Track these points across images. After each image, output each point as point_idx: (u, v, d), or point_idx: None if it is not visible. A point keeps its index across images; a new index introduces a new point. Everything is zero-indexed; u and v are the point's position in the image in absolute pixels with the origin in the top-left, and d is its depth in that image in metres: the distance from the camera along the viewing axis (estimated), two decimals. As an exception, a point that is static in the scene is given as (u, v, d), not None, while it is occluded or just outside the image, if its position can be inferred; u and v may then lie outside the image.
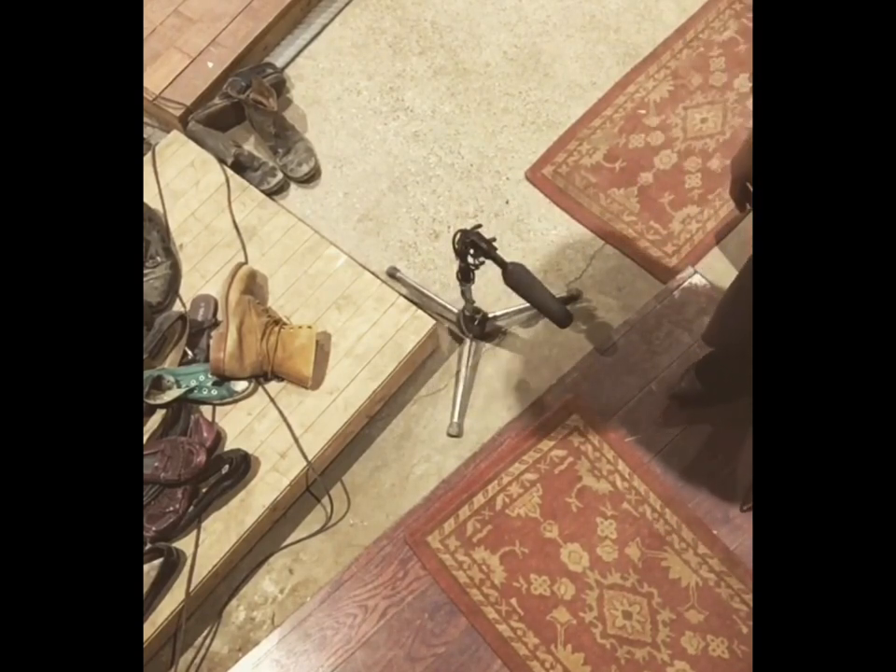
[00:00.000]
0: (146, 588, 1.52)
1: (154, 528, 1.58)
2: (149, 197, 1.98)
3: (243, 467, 1.64)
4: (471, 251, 1.48)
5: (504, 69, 2.19)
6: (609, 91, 2.11)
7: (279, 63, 2.24)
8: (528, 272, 1.50)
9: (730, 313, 1.45)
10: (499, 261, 1.48)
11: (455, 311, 1.81)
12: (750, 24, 2.11)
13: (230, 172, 2.00)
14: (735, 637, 1.52)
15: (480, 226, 1.48)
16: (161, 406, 1.71)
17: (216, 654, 1.62)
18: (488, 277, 1.92)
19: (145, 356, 1.72)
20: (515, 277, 1.49)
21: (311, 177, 2.08)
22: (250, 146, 2.15)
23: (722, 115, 2.02)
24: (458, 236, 1.47)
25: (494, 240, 1.47)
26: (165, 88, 2.13)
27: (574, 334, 1.85)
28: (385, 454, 1.77)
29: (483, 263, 1.51)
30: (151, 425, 1.71)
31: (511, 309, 1.85)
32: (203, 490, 1.64)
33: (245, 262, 1.87)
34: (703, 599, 1.55)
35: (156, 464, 1.61)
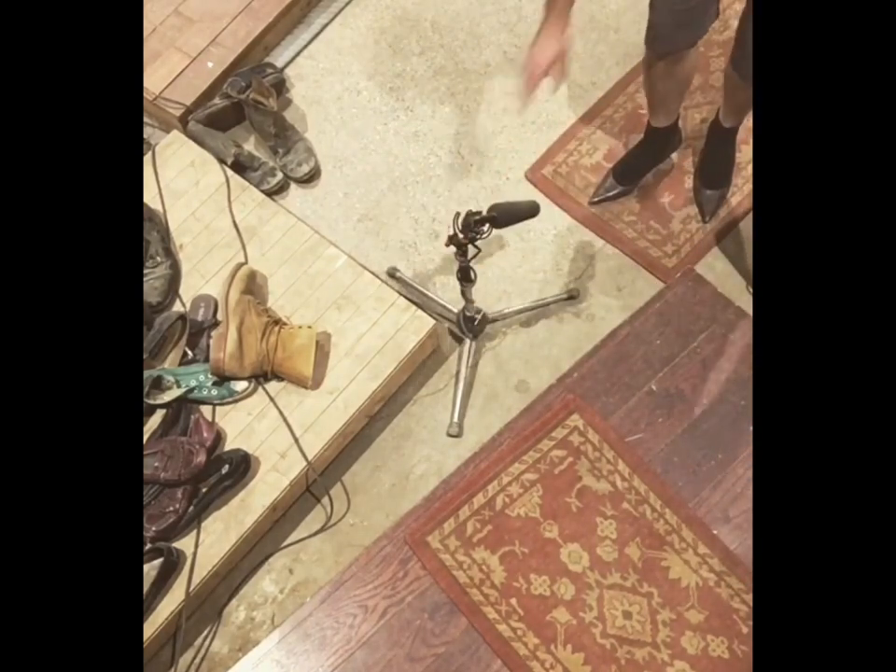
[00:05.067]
0: (146, 588, 1.52)
1: (154, 528, 1.58)
2: (149, 197, 1.98)
3: (243, 467, 1.64)
4: (474, 226, 1.46)
5: (504, 69, 2.19)
6: (608, 91, 2.11)
7: (279, 63, 2.24)
8: (505, 205, 1.48)
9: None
10: (489, 218, 1.46)
11: (455, 311, 1.81)
12: (750, 24, 2.11)
13: (230, 172, 2.00)
14: (735, 637, 1.52)
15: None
16: (161, 406, 1.71)
17: (216, 654, 1.62)
18: (488, 277, 1.93)
19: (145, 356, 1.72)
20: (504, 218, 1.47)
21: (311, 177, 2.08)
22: (250, 146, 2.15)
23: (722, 115, 2.02)
24: (459, 220, 1.47)
25: (479, 212, 1.46)
26: (165, 88, 2.13)
27: (574, 334, 1.85)
28: (385, 454, 1.77)
29: (489, 232, 1.48)
30: (151, 425, 1.71)
31: (511, 309, 1.86)
32: (203, 490, 1.64)
33: (245, 262, 1.87)
34: (703, 599, 1.55)
35: (156, 464, 1.61)
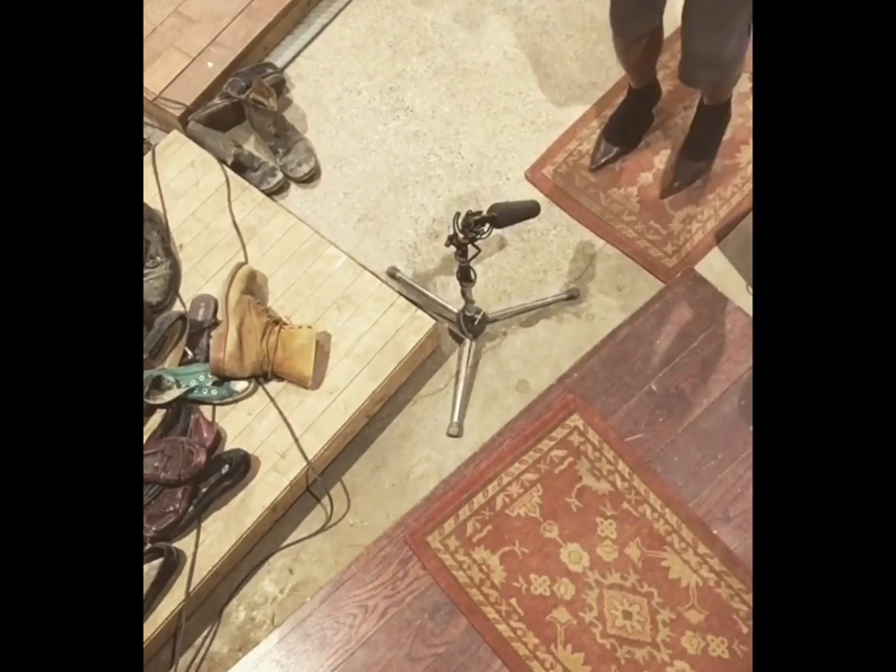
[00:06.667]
0: (146, 588, 1.52)
1: (154, 528, 1.58)
2: (149, 197, 1.98)
3: (243, 467, 1.64)
4: (474, 226, 1.46)
5: (504, 69, 2.19)
6: (608, 92, 2.11)
7: (279, 63, 2.24)
8: (505, 205, 1.49)
9: None
10: (489, 218, 1.46)
11: (455, 311, 1.81)
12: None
13: (230, 172, 2.00)
14: (735, 637, 1.52)
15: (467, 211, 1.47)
16: (161, 406, 1.71)
17: (216, 654, 1.62)
18: (488, 277, 1.93)
19: (145, 356, 1.72)
20: (504, 218, 1.48)
21: (311, 177, 2.08)
22: (250, 146, 2.15)
23: (722, 115, 2.02)
24: (459, 220, 1.47)
25: (479, 212, 1.47)
26: (165, 88, 2.13)
27: (574, 334, 1.85)
28: (385, 454, 1.77)
29: (489, 232, 1.48)
30: (151, 425, 1.71)
31: (512, 309, 1.86)
32: (203, 490, 1.64)
33: (245, 262, 1.87)
34: (703, 599, 1.55)
35: (156, 464, 1.60)
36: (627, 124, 2.00)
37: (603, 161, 2.00)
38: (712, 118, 1.90)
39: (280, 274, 1.87)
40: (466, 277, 1.62)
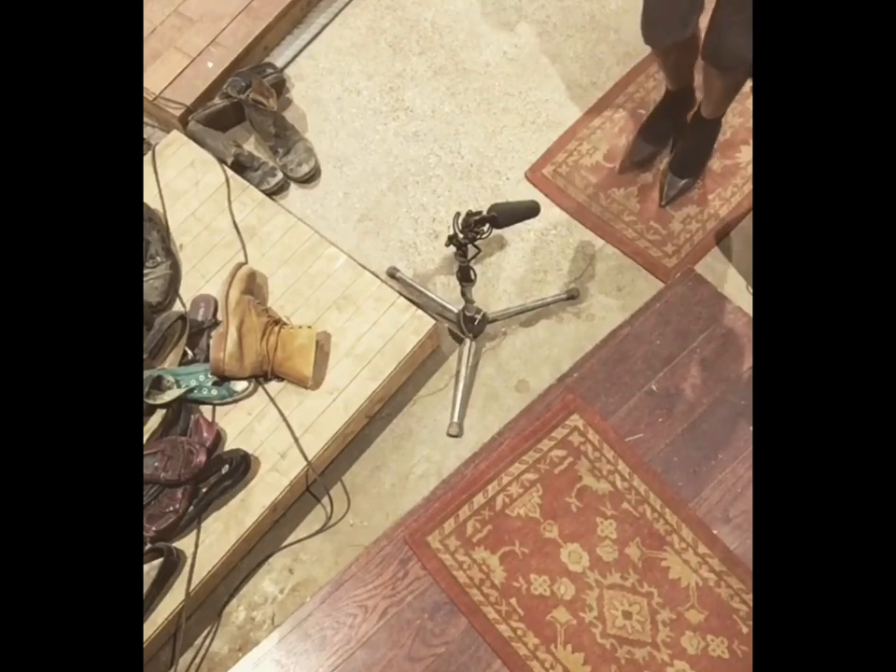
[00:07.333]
0: (146, 588, 1.52)
1: (154, 528, 1.58)
2: (149, 197, 1.98)
3: (243, 467, 1.64)
4: (474, 226, 1.46)
5: (504, 69, 2.19)
6: (609, 91, 2.11)
7: (279, 63, 2.24)
8: (505, 205, 1.50)
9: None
10: (489, 218, 1.47)
11: (455, 311, 1.81)
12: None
13: (230, 172, 2.00)
14: (735, 637, 1.52)
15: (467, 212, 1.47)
16: (161, 406, 1.71)
17: (216, 654, 1.62)
18: (488, 277, 1.93)
19: (145, 356, 1.72)
20: (504, 218, 1.48)
21: (311, 177, 2.08)
22: (250, 146, 2.15)
23: (722, 115, 2.02)
24: (459, 220, 1.47)
25: (479, 212, 1.47)
26: (165, 88, 2.13)
27: (574, 334, 1.85)
28: (385, 454, 1.77)
29: (489, 232, 1.48)
30: (151, 425, 1.71)
31: (511, 309, 1.86)
32: (203, 490, 1.64)
33: (245, 262, 1.87)
34: (703, 599, 1.55)
35: (156, 464, 1.60)
36: (664, 125, 1.99)
37: (637, 159, 2.00)
38: (704, 131, 1.90)
39: (280, 274, 1.87)
40: (466, 277, 1.62)
